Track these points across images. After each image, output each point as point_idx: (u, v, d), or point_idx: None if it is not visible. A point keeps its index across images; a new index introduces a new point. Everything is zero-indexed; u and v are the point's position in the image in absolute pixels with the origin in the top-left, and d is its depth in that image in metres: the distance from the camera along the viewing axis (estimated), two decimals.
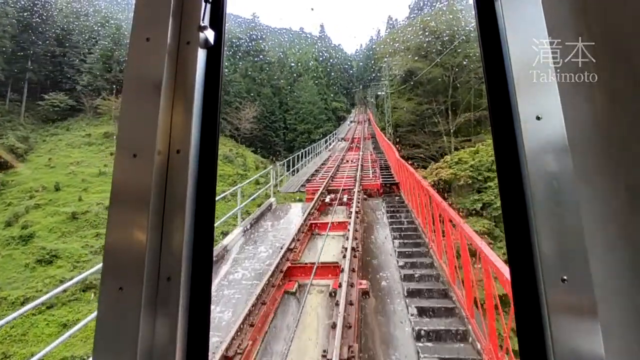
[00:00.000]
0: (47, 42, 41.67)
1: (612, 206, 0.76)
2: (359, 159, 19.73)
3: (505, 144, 0.80)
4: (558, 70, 0.78)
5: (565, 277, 0.71)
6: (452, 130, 34.54)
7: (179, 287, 0.75)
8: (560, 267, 0.72)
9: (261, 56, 61.71)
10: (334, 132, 44.77)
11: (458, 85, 36.24)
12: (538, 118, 0.77)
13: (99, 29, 45.37)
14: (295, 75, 66.08)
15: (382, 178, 14.13)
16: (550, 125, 0.76)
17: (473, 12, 0.95)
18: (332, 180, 13.87)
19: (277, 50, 71.26)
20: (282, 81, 61.24)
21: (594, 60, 0.80)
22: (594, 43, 0.80)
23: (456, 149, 32.37)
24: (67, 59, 41.92)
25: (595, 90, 0.79)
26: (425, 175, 22.82)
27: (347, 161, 20.35)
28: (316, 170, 18.72)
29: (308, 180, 16.16)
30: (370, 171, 15.71)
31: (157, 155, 0.78)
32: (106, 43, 43.00)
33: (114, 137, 34.67)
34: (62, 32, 43.67)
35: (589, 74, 0.80)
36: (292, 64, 68.44)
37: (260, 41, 64.98)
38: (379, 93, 45.66)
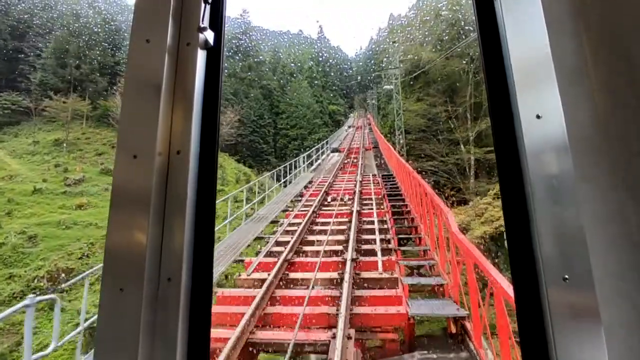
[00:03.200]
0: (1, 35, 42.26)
1: (612, 205, 0.89)
2: (355, 192, 13.31)
3: (506, 143, 0.94)
4: (558, 69, 0.92)
5: (566, 277, 0.83)
6: (471, 138, 32.78)
7: (179, 287, 0.89)
8: (561, 266, 0.84)
9: (252, 55, 63.51)
10: (327, 140, 41.04)
11: (480, 81, 33.91)
12: (538, 117, 0.91)
13: (57, 17, 46.21)
14: (288, 75, 67.89)
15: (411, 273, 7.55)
16: (550, 124, 0.90)
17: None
18: (286, 277, 6.54)
19: (274, 51, 74.31)
20: (273, 82, 62.54)
21: (594, 59, 0.95)
22: (593, 42, 0.95)
23: (478, 161, 30.96)
24: (25, 55, 42.31)
25: (595, 89, 0.93)
26: (466, 219, 17.09)
27: (336, 198, 12.97)
28: (273, 225, 11.12)
29: (238, 260, 8.41)
30: (377, 237, 8.23)
31: (157, 156, 0.92)
32: (61, 34, 43.61)
33: (64, 145, 34.94)
34: (21, 24, 44.25)
35: (589, 72, 0.94)
36: (292, 64, 70.79)
37: (249, 38, 67.12)
38: (386, 87, 42.31)
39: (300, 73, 71.05)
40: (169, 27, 0.99)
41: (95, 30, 47.40)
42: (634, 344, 0.83)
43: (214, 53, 1.06)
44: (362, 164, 23.42)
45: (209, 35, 1.03)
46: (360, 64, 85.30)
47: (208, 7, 1.05)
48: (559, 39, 0.95)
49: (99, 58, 45.48)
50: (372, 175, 19.44)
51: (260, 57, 65.80)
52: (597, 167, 0.90)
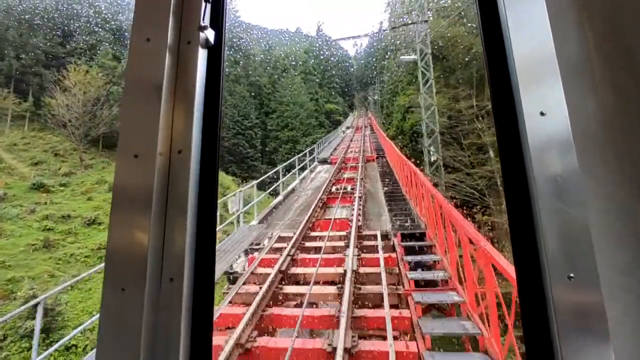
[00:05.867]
0: None
1: (617, 201, 1.05)
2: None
3: (510, 141, 1.10)
4: (561, 66, 1.08)
5: (571, 275, 0.97)
6: None
7: (181, 287, 1.05)
8: (566, 264, 0.98)
9: (237, 48, 65.25)
10: (318, 143, 36.17)
11: None
12: (542, 114, 1.07)
13: None
14: (280, 70, 69.54)
15: None
16: (554, 121, 1.06)
17: None
18: None
19: (266, 44, 77.22)
20: (264, 78, 63.76)
21: (598, 55, 1.12)
22: (597, 38, 1.13)
23: None
24: None
25: (599, 86, 1.10)
26: None
27: None
28: None
29: None
30: None
31: (158, 156, 1.09)
32: None
33: None
34: None
35: (593, 68, 1.12)
36: (285, 59, 73.14)
37: (247, 35, 69.60)
38: (405, 58, 34.55)
39: (294, 68, 72.89)
40: (169, 25, 1.16)
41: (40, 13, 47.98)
42: None
43: (214, 52, 1.24)
44: (360, 197, 14.63)
45: (210, 34, 1.21)
46: (362, 62, 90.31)
47: (209, 5, 1.23)
48: (562, 35, 1.12)
49: (44, 47, 45.88)
50: (383, 237, 10.11)
51: (259, 57, 67.77)
52: (602, 163, 1.07)
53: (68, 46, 48.72)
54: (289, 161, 23.58)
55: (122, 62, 48.41)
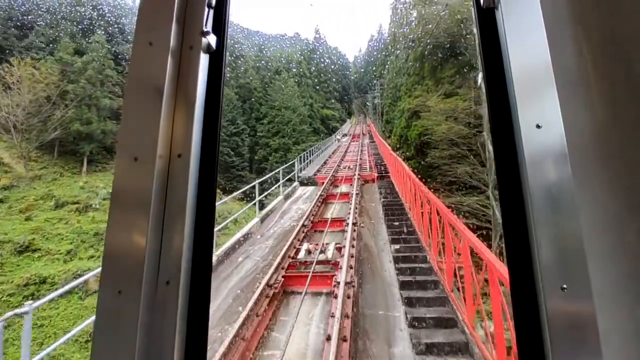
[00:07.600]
0: None
1: (611, 214, 1.19)
2: None
3: (506, 153, 1.25)
4: (558, 79, 1.23)
5: (564, 286, 1.11)
6: None
7: (177, 291, 1.19)
8: (559, 275, 1.12)
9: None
10: (296, 160, 27.30)
11: None
12: (538, 126, 1.22)
13: None
14: (272, 71, 70.53)
15: None
16: (550, 133, 1.21)
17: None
18: None
19: (258, 46, 79.12)
20: (255, 81, 64.55)
21: (594, 68, 1.27)
22: (594, 51, 1.28)
23: None
24: None
25: (595, 98, 1.25)
26: None
27: None
28: None
29: None
30: None
31: (158, 159, 1.24)
32: None
33: None
34: None
35: (589, 82, 1.26)
36: (281, 60, 74.56)
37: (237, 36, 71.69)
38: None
39: (287, 70, 74.03)
40: (172, 30, 1.32)
41: None
42: (631, 353, 1.11)
43: (216, 57, 1.41)
44: (350, 282, 8.31)
45: (212, 40, 1.38)
46: (362, 70, 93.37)
47: (211, 11, 1.40)
48: (559, 48, 1.27)
49: None
50: None
51: (252, 62, 68.87)
52: (596, 176, 1.21)
53: (26, 39, 48.52)
54: (251, 184, 16.91)
55: (84, 57, 48.13)
